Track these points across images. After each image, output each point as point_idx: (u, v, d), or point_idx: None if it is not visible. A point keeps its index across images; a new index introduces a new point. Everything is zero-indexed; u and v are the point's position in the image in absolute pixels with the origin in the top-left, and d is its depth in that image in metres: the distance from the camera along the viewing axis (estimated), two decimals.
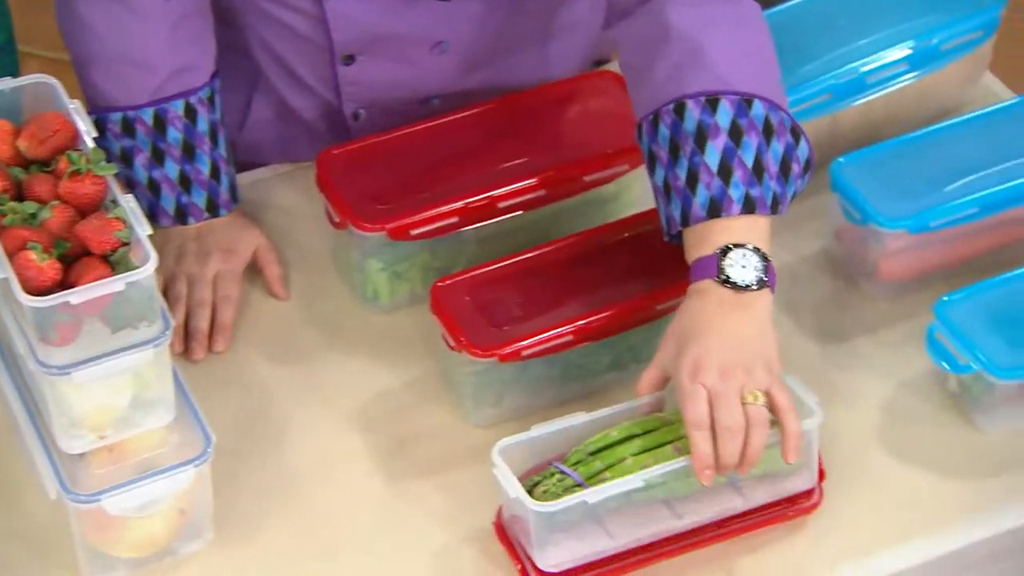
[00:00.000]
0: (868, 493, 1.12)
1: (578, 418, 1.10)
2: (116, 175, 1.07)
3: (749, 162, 1.09)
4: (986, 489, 1.12)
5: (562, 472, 1.06)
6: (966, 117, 1.27)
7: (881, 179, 1.22)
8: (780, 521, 1.10)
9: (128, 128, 1.22)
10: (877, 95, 1.30)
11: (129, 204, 1.03)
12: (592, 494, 1.04)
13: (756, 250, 1.07)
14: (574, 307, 1.16)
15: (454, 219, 1.22)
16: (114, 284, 1.00)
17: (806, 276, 1.26)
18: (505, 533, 1.09)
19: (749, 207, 1.08)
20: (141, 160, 1.23)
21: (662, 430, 1.08)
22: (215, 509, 1.09)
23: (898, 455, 1.14)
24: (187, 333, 1.22)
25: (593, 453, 1.07)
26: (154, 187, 1.23)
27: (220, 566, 1.09)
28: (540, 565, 1.06)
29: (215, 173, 1.25)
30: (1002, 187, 1.21)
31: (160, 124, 1.22)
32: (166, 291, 1.23)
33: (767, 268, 1.08)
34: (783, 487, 1.09)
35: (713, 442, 1.03)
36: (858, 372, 1.20)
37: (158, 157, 1.22)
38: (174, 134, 1.22)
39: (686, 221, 1.09)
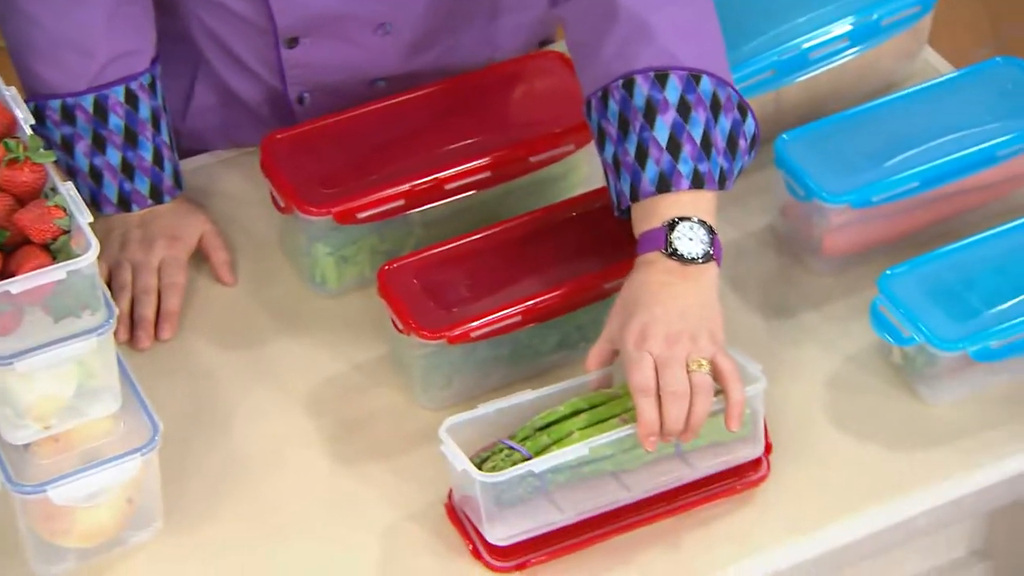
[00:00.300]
0: (815, 466, 1.13)
1: (525, 395, 1.10)
2: (56, 163, 1.06)
3: (697, 137, 1.09)
4: (931, 459, 1.14)
5: (510, 448, 1.06)
6: (907, 91, 1.28)
7: (824, 155, 1.23)
8: (729, 495, 1.11)
9: (68, 115, 1.21)
10: (820, 71, 1.31)
11: (69, 192, 1.02)
12: (538, 463, 1.05)
13: (703, 223, 1.08)
14: (522, 287, 1.16)
15: (401, 202, 1.22)
16: (55, 272, 0.99)
17: (752, 252, 1.27)
18: (456, 514, 1.09)
19: (698, 182, 1.09)
20: (82, 148, 1.21)
21: (609, 404, 1.09)
22: (164, 498, 1.09)
23: (844, 428, 1.15)
24: (132, 321, 1.21)
25: (540, 428, 1.08)
26: (96, 175, 1.22)
27: (170, 555, 1.09)
28: (490, 539, 1.06)
29: (158, 159, 1.24)
30: (943, 160, 1.22)
31: (101, 111, 1.21)
32: (110, 279, 1.22)
33: (713, 241, 1.09)
34: (730, 456, 1.10)
35: (658, 409, 1.04)
36: (803, 346, 1.21)
37: (99, 144, 1.21)
38: (115, 121, 1.21)
39: (635, 196, 1.10)
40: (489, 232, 1.20)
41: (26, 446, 1.05)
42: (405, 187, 1.21)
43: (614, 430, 1.06)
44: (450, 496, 1.10)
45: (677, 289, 1.07)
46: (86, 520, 1.05)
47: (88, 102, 1.20)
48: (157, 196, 1.24)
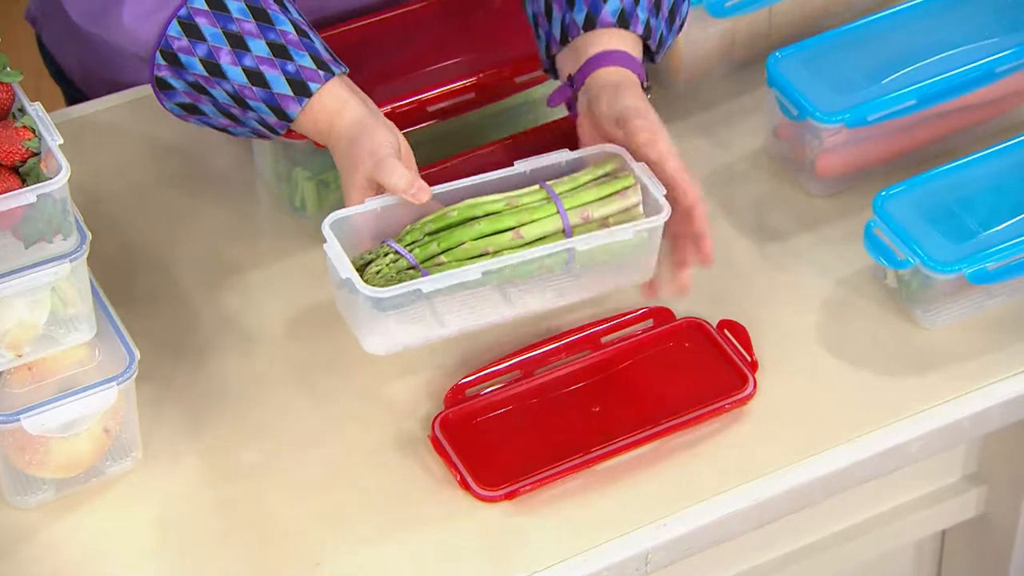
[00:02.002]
0: (807, 391, 1.12)
1: None
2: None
3: None
4: (925, 384, 1.12)
5: (396, 252, 1.01)
6: (902, 7, 1.25)
7: (818, 73, 1.21)
8: (717, 415, 1.09)
9: (192, 30, 1.07)
10: None
11: (38, 112, 0.99)
12: (427, 283, 1.00)
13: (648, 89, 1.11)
14: None
15: None
16: (24, 196, 0.97)
17: (744, 174, 1.25)
18: (440, 445, 1.08)
19: (647, 34, 1.10)
20: (227, 58, 1.06)
21: (504, 215, 1.03)
22: (142, 428, 1.07)
23: (837, 352, 1.14)
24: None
25: (431, 234, 1.03)
26: (258, 77, 1.06)
27: (149, 485, 1.07)
28: (367, 348, 1.03)
29: (302, 32, 1.08)
30: (939, 78, 1.20)
31: (217, 2, 1.07)
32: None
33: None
34: (619, 279, 1.07)
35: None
36: (796, 270, 1.19)
37: (237, 42, 1.06)
38: (234, 4, 1.06)
39: (591, 25, 1.08)
40: (472, 156, 1.17)
41: None
42: (387, 108, 1.18)
43: (506, 249, 1.01)
44: (433, 427, 1.08)
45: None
46: (62, 450, 1.03)
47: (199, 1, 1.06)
48: (324, 67, 1.07)
